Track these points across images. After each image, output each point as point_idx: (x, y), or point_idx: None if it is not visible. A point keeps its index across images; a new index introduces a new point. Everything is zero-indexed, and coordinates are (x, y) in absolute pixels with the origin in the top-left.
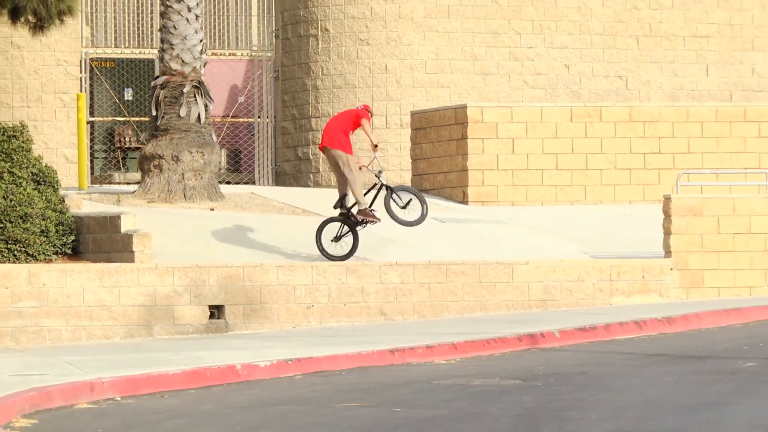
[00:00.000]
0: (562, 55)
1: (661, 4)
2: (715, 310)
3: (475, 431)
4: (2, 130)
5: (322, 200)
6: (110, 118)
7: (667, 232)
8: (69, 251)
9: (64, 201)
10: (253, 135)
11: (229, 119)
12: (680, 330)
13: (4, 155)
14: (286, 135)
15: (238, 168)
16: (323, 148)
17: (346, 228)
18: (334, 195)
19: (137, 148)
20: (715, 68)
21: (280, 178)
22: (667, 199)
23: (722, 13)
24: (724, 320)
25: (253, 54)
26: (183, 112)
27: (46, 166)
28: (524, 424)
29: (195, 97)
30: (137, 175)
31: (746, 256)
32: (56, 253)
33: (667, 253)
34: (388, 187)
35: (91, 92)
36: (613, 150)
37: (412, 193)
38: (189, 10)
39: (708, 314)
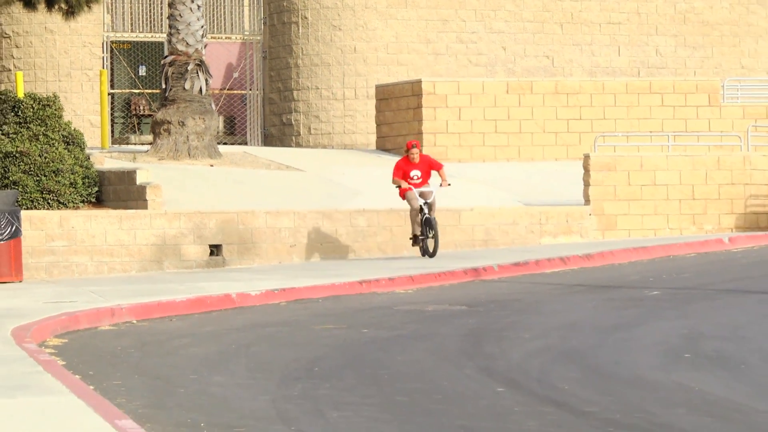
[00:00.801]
0: (499, 38)
1: None
2: (626, 248)
3: (428, 348)
4: (38, 100)
5: (303, 158)
6: (127, 91)
7: (587, 184)
8: (93, 200)
9: (89, 158)
10: (245, 104)
11: (225, 91)
12: (597, 265)
13: (39, 121)
14: (272, 104)
15: (233, 131)
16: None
17: None
18: (312, 154)
19: (150, 115)
20: (626, 49)
21: (268, 140)
22: (587, 157)
23: (631, 3)
24: (634, 256)
25: (245, 37)
26: (187, 86)
27: (74, 129)
28: (469, 342)
29: (197, 73)
30: (150, 138)
31: (651, 204)
32: (83, 201)
33: (587, 201)
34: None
35: (112, 69)
36: (542, 117)
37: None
38: (192, 1)
39: (620, 251)
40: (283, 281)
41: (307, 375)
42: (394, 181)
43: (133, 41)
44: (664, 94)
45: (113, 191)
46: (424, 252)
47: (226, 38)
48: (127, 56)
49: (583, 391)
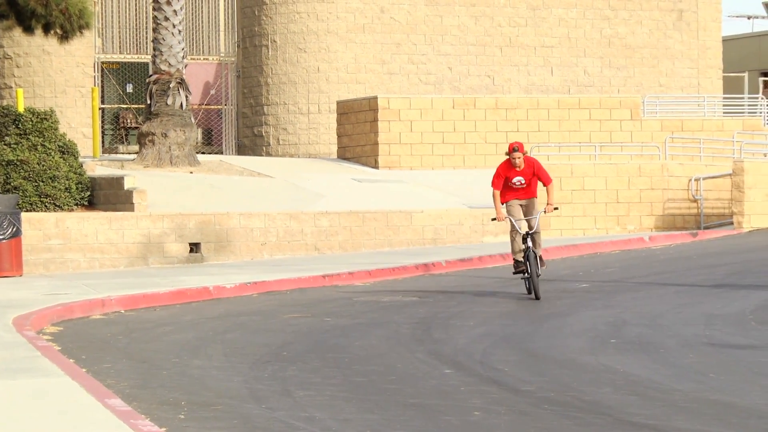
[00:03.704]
0: (446, 60)
1: (518, 23)
2: (558, 246)
3: (384, 334)
4: (36, 114)
5: (272, 166)
6: (116, 106)
7: None
8: (86, 203)
9: (82, 166)
10: (221, 118)
11: (203, 107)
12: None
13: (37, 132)
14: (245, 118)
15: (211, 142)
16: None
17: None
18: (281, 162)
19: (136, 128)
20: (558, 70)
21: (241, 150)
22: None
23: (562, 29)
24: (565, 253)
25: (221, 59)
26: (170, 101)
27: (69, 140)
28: (420, 329)
29: (178, 90)
30: (136, 148)
31: (580, 207)
32: (76, 204)
33: None
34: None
35: (102, 86)
36: (484, 129)
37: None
38: (174, 26)
39: (553, 249)
40: (255, 275)
41: (276, 359)
42: (494, 193)
43: (121, 62)
44: (591, 110)
45: (103, 195)
46: (530, 290)
47: (204, 59)
48: (115, 75)
49: (521, 373)
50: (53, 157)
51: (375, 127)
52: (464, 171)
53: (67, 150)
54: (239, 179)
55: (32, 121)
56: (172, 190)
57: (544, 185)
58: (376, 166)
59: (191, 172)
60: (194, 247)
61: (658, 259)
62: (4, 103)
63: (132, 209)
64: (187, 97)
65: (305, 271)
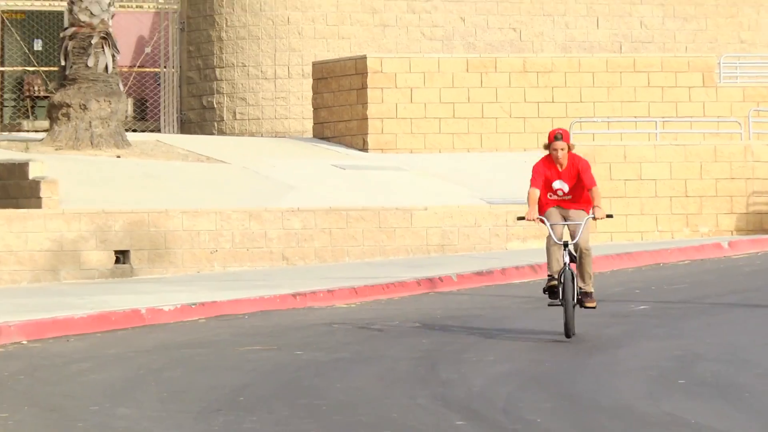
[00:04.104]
0: (457, 7)
1: None
2: (607, 255)
3: (374, 373)
4: None
5: (227, 148)
6: (20, 68)
7: None
8: None
9: None
10: (158, 84)
11: (135, 69)
12: None
13: None
14: (191, 84)
15: (144, 116)
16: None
17: None
18: (238, 143)
19: (46, 97)
20: (605, 21)
21: (185, 126)
22: None
23: None
24: (617, 264)
25: (159, 6)
26: (91, 63)
27: None
28: (423, 367)
29: (103, 47)
30: (46, 123)
31: (637, 202)
32: None
33: None
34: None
35: (2, 42)
36: (508, 99)
37: None
38: None
39: (601, 258)
40: (202, 294)
41: (229, 406)
42: (529, 191)
43: (28, 10)
44: (650, 73)
45: (1, 187)
46: (566, 328)
47: (137, 7)
48: (20, 28)
49: (558, 424)
50: None
51: (363, 97)
52: (482, 155)
53: None
54: (182, 166)
55: None
56: (94, 180)
57: (588, 188)
58: (364, 148)
59: (119, 156)
60: (121, 256)
61: (741, 272)
62: None
63: (39, 205)
64: (114, 56)
65: (269, 287)
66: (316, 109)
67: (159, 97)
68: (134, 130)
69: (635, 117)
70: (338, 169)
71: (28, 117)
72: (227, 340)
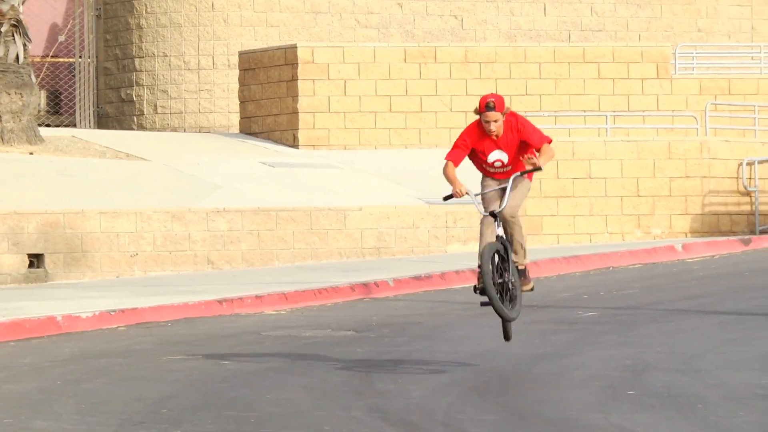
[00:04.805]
0: None
1: None
2: (554, 258)
3: (306, 384)
4: None
5: (147, 144)
6: None
7: None
8: None
9: None
10: (74, 76)
11: (48, 59)
12: None
13: None
14: (108, 76)
15: (59, 110)
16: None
17: None
18: (159, 138)
19: None
20: (553, 7)
21: (102, 121)
22: None
23: None
24: (564, 268)
25: None
26: (1, 52)
27: None
28: (357, 377)
29: (13, 36)
30: None
31: (586, 202)
32: None
33: None
34: None
35: None
36: (449, 92)
37: None
38: None
39: (546, 262)
40: (122, 300)
41: (152, 418)
42: (445, 165)
43: None
44: (600, 64)
45: None
46: (504, 330)
47: None
48: None
49: None
50: None
51: (294, 89)
52: (421, 151)
53: None
54: (99, 163)
55: None
56: (4, 178)
57: (536, 148)
58: (295, 144)
59: (31, 153)
60: (35, 260)
61: (695, 277)
62: None
63: None
64: (25, 45)
65: (194, 293)
66: (242, 102)
67: (74, 90)
68: (48, 125)
69: (584, 111)
70: (267, 166)
71: None
72: (149, 349)
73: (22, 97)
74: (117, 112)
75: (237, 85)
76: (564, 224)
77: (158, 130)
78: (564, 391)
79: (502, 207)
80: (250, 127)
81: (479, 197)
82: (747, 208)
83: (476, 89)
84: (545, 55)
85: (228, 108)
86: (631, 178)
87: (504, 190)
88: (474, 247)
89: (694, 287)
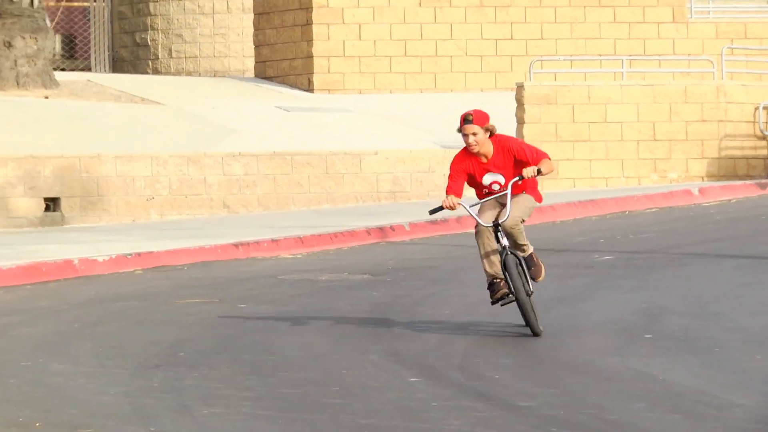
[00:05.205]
0: None
1: None
2: (570, 202)
3: (322, 328)
4: None
5: (162, 88)
6: None
7: (520, 121)
8: None
9: None
10: (88, 20)
11: (63, 3)
12: (534, 222)
13: None
14: (123, 20)
15: (74, 54)
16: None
17: None
18: (174, 82)
19: None
20: None
21: (117, 65)
22: (520, 87)
23: None
24: (580, 212)
25: None
26: None
27: None
28: (374, 321)
29: None
30: None
31: (602, 146)
32: None
33: None
34: None
35: None
36: (464, 36)
37: None
38: None
39: (563, 206)
40: (139, 244)
41: (169, 362)
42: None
43: None
44: (616, 8)
45: None
46: (526, 321)
47: None
48: None
49: (518, 382)
50: None
51: (308, 33)
52: (436, 95)
53: None
54: (115, 107)
55: None
56: (20, 122)
57: (534, 164)
58: (310, 88)
59: (47, 97)
60: (51, 204)
61: (711, 221)
62: None
63: None
64: None
65: (210, 237)
66: (257, 46)
67: (89, 34)
68: (63, 69)
69: (600, 55)
70: (282, 111)
71: None
72: (166, 292)
73: (36, 41)
74: (132, 56)
75: (252, 29)
76: (580, 168)
77: (173, 75)
78: (580, 334)
79: (505, 218)
80: (265, 72)
81: (475, 208)
82: (763, 152)
83: (491, 34)
84: None
85: (243, 52)
86: (648, 122)
87: (503, 201)
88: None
89: (711, 231)
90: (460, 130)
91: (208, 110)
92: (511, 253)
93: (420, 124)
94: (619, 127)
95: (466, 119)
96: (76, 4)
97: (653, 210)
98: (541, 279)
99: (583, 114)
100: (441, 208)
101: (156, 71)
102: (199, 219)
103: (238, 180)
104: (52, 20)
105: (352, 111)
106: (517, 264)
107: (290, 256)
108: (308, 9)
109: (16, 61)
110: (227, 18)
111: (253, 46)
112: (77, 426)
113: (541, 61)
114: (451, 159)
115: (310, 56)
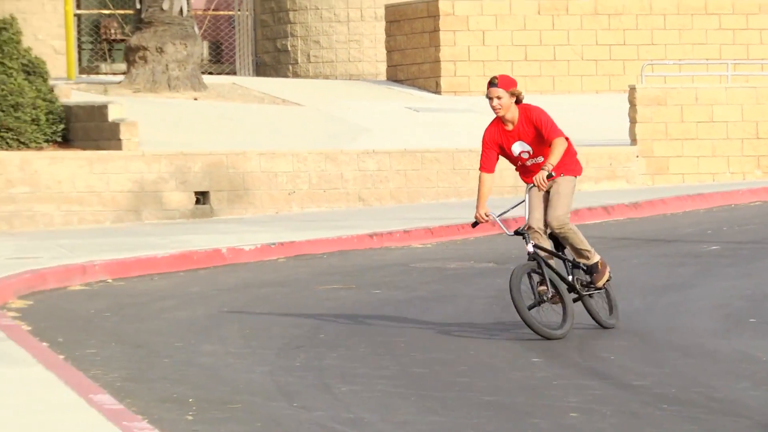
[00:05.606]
0: None
1: None
2: (679, 196)
3: (450, 312)
4: None
5: (301, 90)
6: (96, 11)
7: (633, 121)
8: (59, 139)
9: (53, 91)
10: (233, 27)
11: (210, 12)
12: (646, 215)
13: None
14: (265, 27)
15: (220, 59)
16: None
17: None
18: (312, 85)
19: (122, 40)
20: None
21: (260, 69)
22: (632, 89)
23: None
24: (689, 205)
25: None
26: (166, 6)
27: (35, 57)
28: (499, 305)
29: None
30: (123, 66)
31: (709, 144)
32: (47, 141)
33: (633, 141)
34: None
35: None
36: (580, 42)
37: None
38: None
39: (673, 199)
40: (281, 234)
41: (310, 343)
42: (478, 183)
43: None
44: (722, 15)
45: (82, 129)
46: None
47: None
48: None
49: (631, 362)
50: (15, 80)
51: (436, 40)
52: (554, 97)
53: (34, 70)
54: (258, 108)
55: None
56: (171, 122)
57: (548, 140)
58: (437, 90)
59: (196, 99)
60: (201, 197)
61: None
62: None
63: (119, 147)
64: (188, 0)
65: (346, 228)
66: (389, 51)
67: (234, 41)
68: (210, 73)
69: (707, 59)
70: (412, 111)
71: (105, 60)
72: (306, 279)
73: (186, 47)
74: (273, 61)
75: (384, 36)
76: (689, 164)
77: (311, 78)
78: (689, 319)
79: (556, 224)
80: (396, 75)
81: (520, 206)
82: None
83: (606, 39)
84: (670, 7)
85: (375, 57)
86: (751, 122)
87: (547, 196)
88: (604, 186)
89: None
90: (486, 95)
91: (344, 111)
92: (570, 264)
93: None
94: (724, 127)
95: (491, 82)
96: (222, 12)
97: (757, 203)
98: (600, 284)
99: (691, 114)
100: (477, 223)
101: (296, 75)
102: (336, 211)
103: (372, 175)
104: (200, 28)
105: (477, 111)
106: (591, 304)
107: (420, 246)
108: (436, 17)
109: (167, 65)
110: (361, 25)
111: (385, 52)
112: (227, 402)
113: (652, 65)
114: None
115: (438, 61)
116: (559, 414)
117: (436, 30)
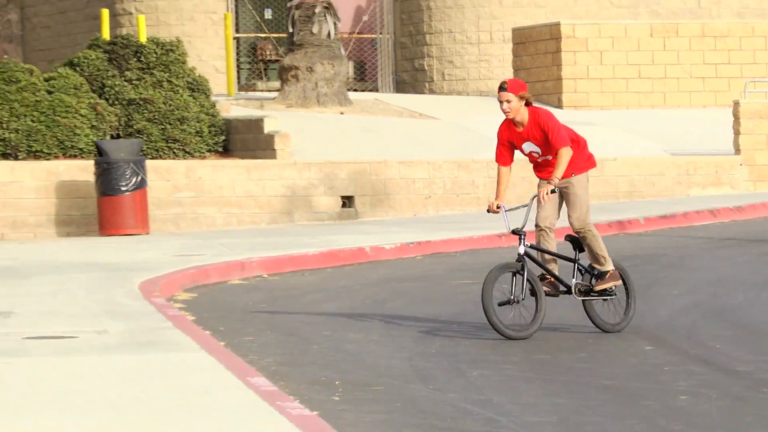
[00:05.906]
0: None
1: None
2: None
3: (570, 305)
4: (161, 45)
5: (436, 105)
6: (253, 35)
7: (737, 133)
8: (220, 149)
9: (215, 106)
10: (375, 49)
11: (354, 35)
12: (749, 217)
13: (163, 66)
14: (404, 49)
15: (363, 78)
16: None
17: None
18: (446, 100)
19: (276, 61)
20: None
21: (400, 86)
22: (736, 104)
23: None
24: None
25: None
26: (315, 29)
27: (199, 75)
28: (614, 300)
29: (325, 16)
30: (277, 84)
31: None
32: (209, 150)
33: (737, 150)
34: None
35: (237, 12)
36: (689, 61)
37: None
38: None
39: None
40: (418, 234)
41: (444, 332)
42: (497, 174)
43: None
44: None
45: (240, 140)
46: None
47: None
48: None
49: (736, 350)
50: (181, 96)
51: (558, 59)
52: (664, 111)
53: (198, 87)
54: (398, 121)
55: (156, 53)
56: (320, 133)
57: (554, 147)
58: (559, 105)
59: (342, 113)
60: (347, 201)
61: None
62: (124, 31)
63: (274, 156)
64: (335, 24)
65: (477, 229)
66: (515, 70)
67: (376, 60)
68: (355, 90)
69: None
70: None
71: (261, 78)
72: (441, 274)
73: (333, 66)
74: (411, 79)
75: (511, 56)
76: None
77: (446, 94)
78: None
79: (578, 224)
80: None
81: (508, 213)
82: None
83: (712, 59)
84: None
85: (503, 75)
86: None
87: (560, 198)
88: (711, 191)
89: None
90: (497, 98)
91: (475, 124)
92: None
93: (652, 135)
94: None
95: (501, 87)
96: (365, 35)
97: None
98: (597, 289)
99: None
100: (490, 210)
101: (431, 91)
102: (468, 214)
103: None
104: (345, 49)
105: (596, 124)
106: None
107: None
108: (558, 39)
109: (317, 83)
110: (490, 47)
111: (512, 70)
112: (370, 384)
113: (754, 82)
114: (678, 163)
115: (560, 78)
116: (669, 397)
117: (558, 51)
